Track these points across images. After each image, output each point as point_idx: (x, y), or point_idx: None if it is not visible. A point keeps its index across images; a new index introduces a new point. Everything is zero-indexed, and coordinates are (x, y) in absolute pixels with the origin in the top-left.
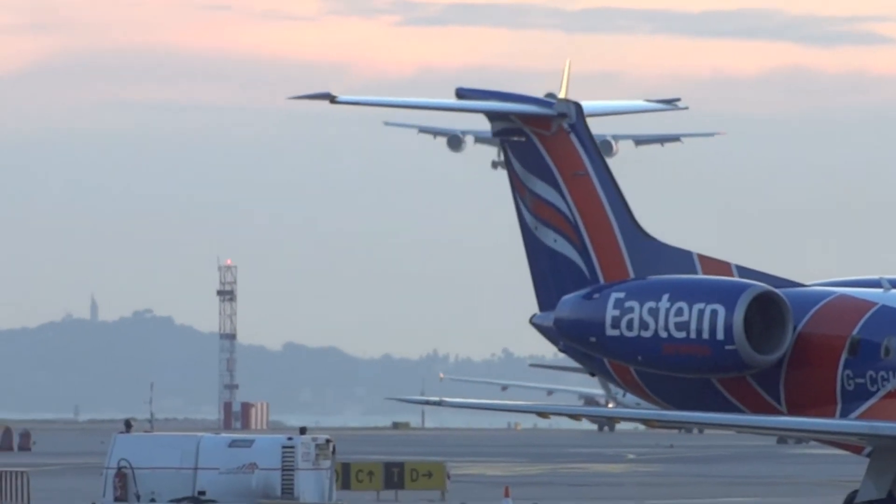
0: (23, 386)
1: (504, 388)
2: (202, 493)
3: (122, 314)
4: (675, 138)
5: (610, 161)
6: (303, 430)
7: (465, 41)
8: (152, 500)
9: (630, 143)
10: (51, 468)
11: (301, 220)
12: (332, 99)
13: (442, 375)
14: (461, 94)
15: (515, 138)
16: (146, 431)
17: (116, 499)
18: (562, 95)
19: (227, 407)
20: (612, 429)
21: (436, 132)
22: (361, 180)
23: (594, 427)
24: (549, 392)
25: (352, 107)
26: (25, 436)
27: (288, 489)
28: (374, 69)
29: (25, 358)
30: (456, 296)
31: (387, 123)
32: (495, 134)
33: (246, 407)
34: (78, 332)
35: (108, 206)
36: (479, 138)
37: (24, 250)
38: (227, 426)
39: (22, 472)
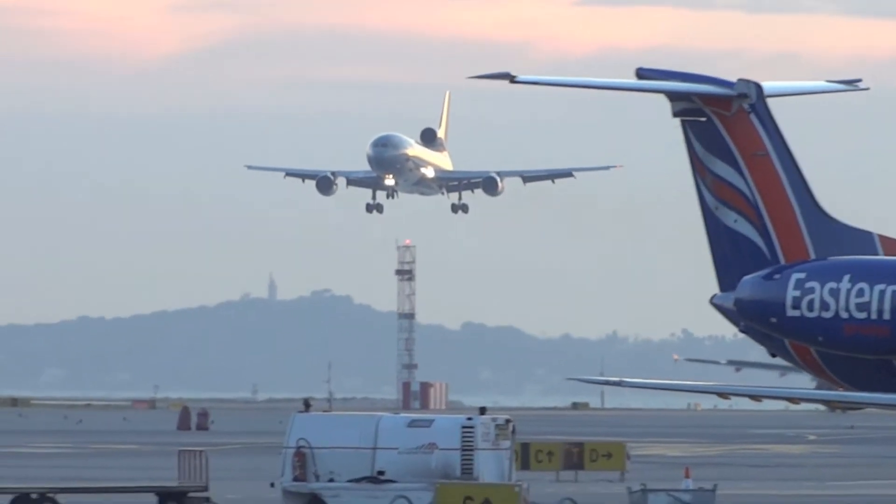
0: (201, 365)
1: (738, 369)
2: (381, 472)
3: (301, 294)
4: (567, 174)
5: (496, 200)
6: (482, 410)
7: (646, 21)
8: (331, 479)
9: (517, 180)
10: (229, 448)
11: (475, 200)
12: (512, 79)
13: (676, 357)
14: (642, 74)
15: (696, 119)
16: (325, 411)
17: (295, 478)
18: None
19: (406, 387)
20: (844, 410)
21: (304, 175)
22: (542, 156)
23: (818, 408)
24: (737, 369)
25: (530, 86)
26: (203, 415)
27: (467, 469)
28: (553, 49)
29: (203, 337)
30: (636, 276)
31: (249, 167)
32: (676, 114)
33: (425, 387)
34: (256, 312)
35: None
36: (352, 180)
37: (203, 229)
38: (406, 406)
39: (200, 452)
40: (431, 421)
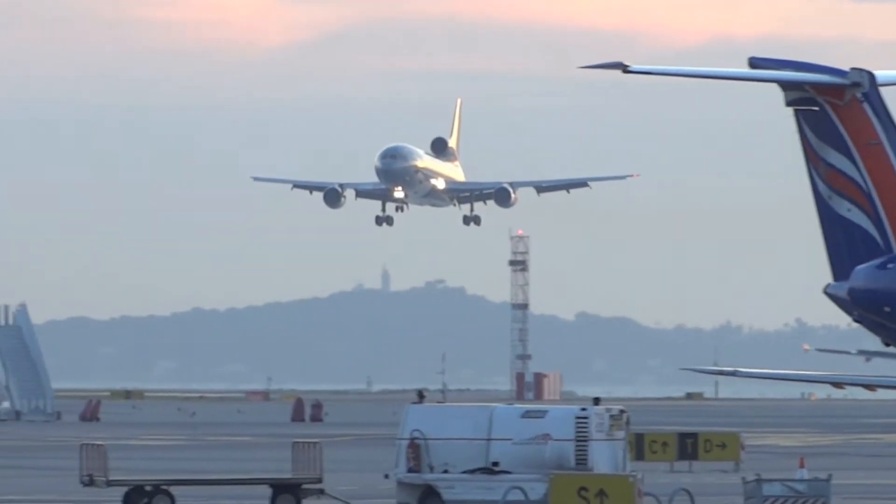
0: (314, 356)
1: (868, 359)
2: (495, 463)
3: (414, 284)
4: (582, 184)
5: (508, 212)
6: (596, 401)
7: (757, 10)
8: (445, 470)
9: (531, 190)
10: (343, 439)
11: (595, 188)
12: (625, 69)
13: (806, 347)
14: (754, 63)
15: (809, 108)
16: (439, 402)
17: (410, 470)
18: None
19: (520, 377)
20: None
21: (311, 187)
22: (637, 148)
23: None
24: (867, 359)
25: (644, 76)
26: (317, 406)
27: (581, 460)
28: (664, 38)
29: (317, 328)
30: (750, 266)
31: (256, 179)
32: (788, 104)
33: (539, 377)
34: (369, 303)
35: None
36: (360, 193)
37: (315, 219)
38: (520, 397)
39: (314, 443)
40: (545, 412)
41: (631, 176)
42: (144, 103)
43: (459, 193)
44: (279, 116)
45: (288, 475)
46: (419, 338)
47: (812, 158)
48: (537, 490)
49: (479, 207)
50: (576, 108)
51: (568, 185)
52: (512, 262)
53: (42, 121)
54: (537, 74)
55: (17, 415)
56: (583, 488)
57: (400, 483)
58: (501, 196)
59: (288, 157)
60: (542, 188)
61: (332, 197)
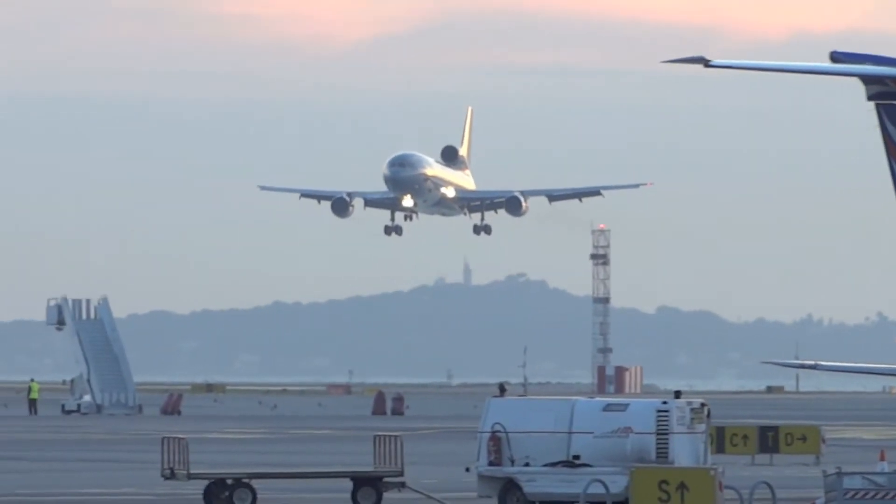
0: (396, 350)
1: None
2: (576, 457)
3: (495, 278)
4: (595, 192)
5: (518, 221)
6: (677, 394)
7: (838, 4)
8: (526, 464)
9: (542, 199)
10: (424, 432)
11: (675, 183)
12: (706, 63)
13: None
14: (836, 58)
15: (890, 102)
16: (520, 395)
17: (491, 463)
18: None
19: (601, 371)
20: None
21: (320, 196)
22: (744, 140)
23: None
24: None
25: (726, 70)
26: (398, 400)
27: (662, 453)
28: (746, 32)
29: (399, 322)
30: (830, 260)
31: (262, 188)
32: (870, 98)
33: (620, 370)
34: (451, 296)
35: None
36: (369, 202)
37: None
38: (601, 390)
39: (395, 437)
40: (627, 405)
41: (645, 184)
42: (238, 98)
43: (470, 202)
44: (363, 110)
45: (369, 468)
46: (500, 331)
47: (893, 152)
48: (618, 483)
49: (490, 216)
50: (654, 101)
51: (580, 194)
52: (593, 256)
53: (127, 116)
54: (618, 69)
55: (99, 408)
56: (663, 481)
57: (481, 476)
58: (512, 205)
59: (372, 150)
60: (553, 197)
61: (340, 206)
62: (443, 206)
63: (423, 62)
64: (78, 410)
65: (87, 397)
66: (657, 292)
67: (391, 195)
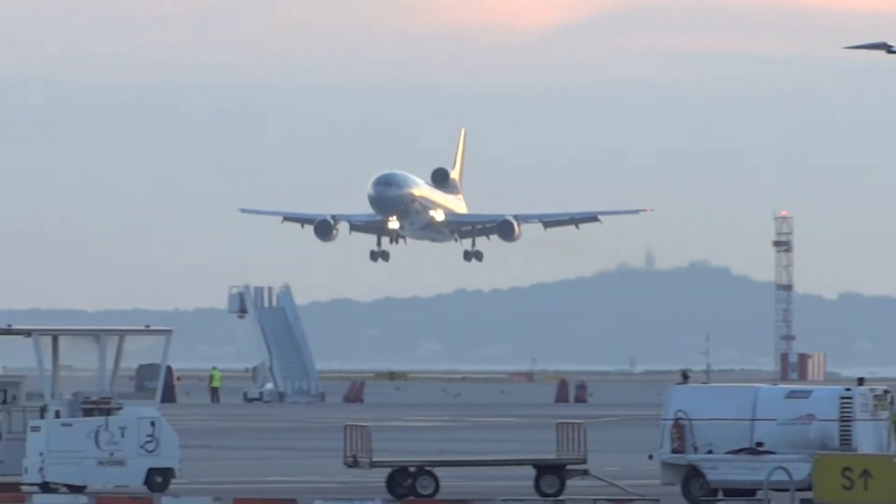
0: (578, 337)
1: None
2: (759, 444)
3: (678, 264)
4: (591, 217)
5: (512, 246)
6: (860, 381)
7: None
8: (709, 451)
9: (538, 224)
10: (607, 420)
11: (858, 168)
12: (889, 49)
13: None
14: None
15: None
16: (703, 383)
17: (674, 450)
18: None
19: (784, 358)
20: None
21: (303, 219)
22: None
23: None
24: None
25: None
26: (581, 387)
27: (846, 440)
28: None
29: (581, 308)
30: None
31: (243, 210)
32: None
33: (802, 358)
34: (633, 282)
35: (672, 155)
36: (355, 225)
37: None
38: (784, 377)
39: (578, 424)
40: (810, 392)
41: (644, 210)
42: (427, 82)
43: (460, 227)
44: (547, 98)
45: (552, 456)
46: (683, 318)
47: None
48: (801, 470)
49: (482, 242)
50: (835, 89)
51: (577, 220)
52: (776, 243)
53: (313, 104)
54: (799, 55)
55: (281, 396)
56: (847, 468)
57: (664, 463)
58: (504, 229)
59: (556, 139)
60: (548, 223)
61: (323, 229)
62: (431, 231)
63: (606, 49)
64: (260, 398)
65: (269, 385)
66: (840, 278)
67: (377, 217)
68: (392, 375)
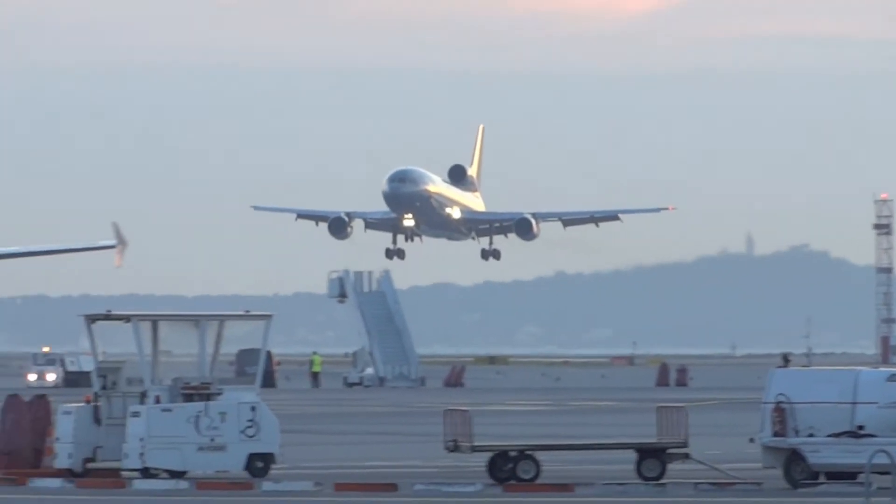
0: (679, 321)
1: None
2: (860, 427)
3: (778, 248)
4: (612, 216)
5: (531, 245)
6: None
7: None
8: (810, 434)
9: (557, 223)
10: (708, 403)
11: None
12: None
13: None
14: None
15: None
16: (804, 366)
17: (775, 434)
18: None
19: (885, 341)
20: None
21: (317, 217)
22: None
23: None
24: None
25: None
26: (682, 371)
27: None
28: None
29: (682, 293)
30: None
31: (255, 208)
32: None
33: None
34: (734, 267)
35: (769, 140)
36: (370, 223)
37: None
38: (885, 360)
39: (679, 408)
40: None
41: (666, 209)
42: (502, 70)
43: (477, 225)
44: (649, 84)
45: (653, 440)
46: (783, 302)
47: None
48: None
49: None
50: None
51: (597, 219)
52: (876, 226)
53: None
54: (891, 37)
55: (381, 381)
56: None
57: (765, 447)
58: (522, 227)
59: (651, 125)
60: (567, 221)
61: (338, 226)
62: (447, 228)
63: (707, 34)
64: (360, 383)
65: (369, 370)
66: None
67: (393, 215)
68: (492, 360)
